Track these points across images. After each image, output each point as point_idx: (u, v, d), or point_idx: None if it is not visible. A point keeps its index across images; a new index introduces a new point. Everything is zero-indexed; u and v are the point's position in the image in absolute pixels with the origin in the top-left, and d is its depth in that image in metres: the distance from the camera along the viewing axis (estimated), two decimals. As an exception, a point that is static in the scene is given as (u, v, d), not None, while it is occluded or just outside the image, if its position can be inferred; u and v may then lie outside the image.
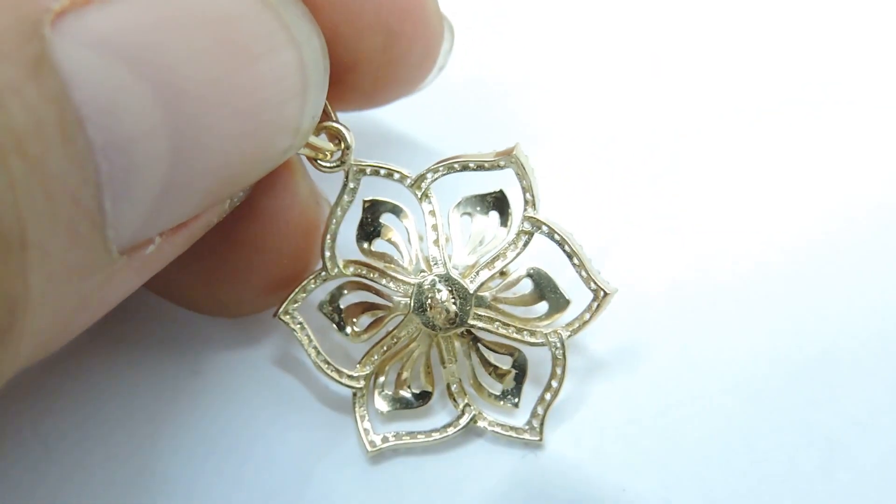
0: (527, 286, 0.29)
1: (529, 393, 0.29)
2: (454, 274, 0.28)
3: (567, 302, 0.28)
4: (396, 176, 0.29)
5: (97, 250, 0.20)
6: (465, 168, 0.28)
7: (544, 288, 0.28)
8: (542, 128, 0.36)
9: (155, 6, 0.21)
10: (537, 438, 0.28)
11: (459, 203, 0.29)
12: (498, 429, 0.29)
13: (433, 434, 0.29)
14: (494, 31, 0.40)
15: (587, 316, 0.28)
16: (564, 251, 0.28)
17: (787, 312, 0.32)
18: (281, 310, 0.29)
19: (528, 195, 0.28)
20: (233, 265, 0.29)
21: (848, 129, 0.36)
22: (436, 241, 0.29)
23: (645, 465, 0.29)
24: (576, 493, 0.29)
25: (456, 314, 0.28)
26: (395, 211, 0.29)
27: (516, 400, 0.29)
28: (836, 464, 0.28)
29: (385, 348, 0.29)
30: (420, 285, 0.28)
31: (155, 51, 0.20)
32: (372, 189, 0.29)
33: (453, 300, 0.28)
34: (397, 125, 0.36)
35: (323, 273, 0.29)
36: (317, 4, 0.25)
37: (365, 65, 0.27)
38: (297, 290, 0.29)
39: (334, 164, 0.28)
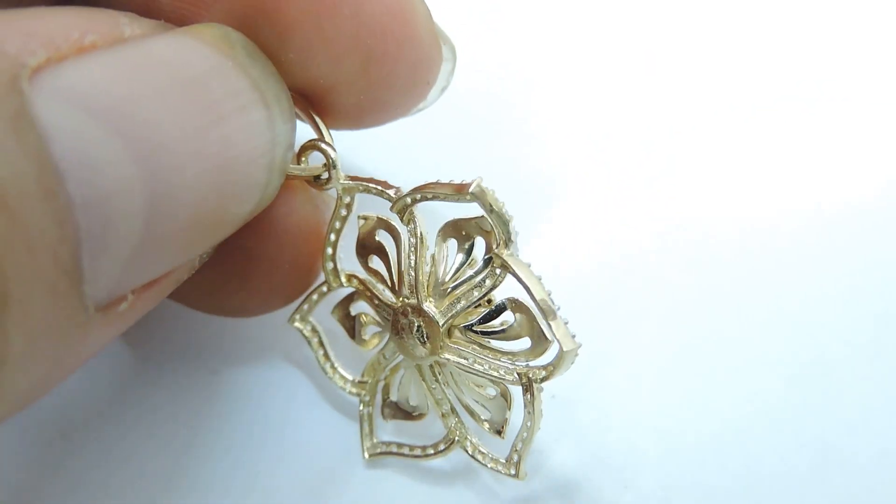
0: (510, 318, 0.26)
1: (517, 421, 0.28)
2: (427, 305, 0.27)
3: (547, 341, 0.26)
4: (385, 195, 0.27)
5: (74, 308, 0.20)
6: (435, 198, 0.26)
7: (524, 323, 0.26)
8: (537, 127, 0.37)
9: (128, 64, 0.21)
10: (513, 473, 0.28)
11: (444, 227, 0.27)
12: (479, 457, 0.29)
13: (417, 450, 0.30)
14: (489, 28, 0.40)
15: (551, 369, 0.26)
16: (530, 296, 0.25)
17: (781, 316, 0.32)
18: (289, 318, 0.30)
19: (496, 232, 0.25)
20: (234, 274, 0.29)
21: (844, 127, 0.37)
22: (414, 266, 0.27)
23: (645, 466, 0.30)
24: (578, 491, 0.29)
25: (425, 348, 0.27)
26: (389, 229, 0.28)
27: (500, 429, 0.28)
28: (830, 465, 0.29)
29: (380, 362, 0.30)
30: (395, 312, 0.28)
31: (128, 107, 0.20)
32: (372, 203, 0.29)
33: (420, 335, 0.27)
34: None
35: (324, 287, 0.30)
36: (290, 24, 0.24)
37: (344, 87, 0.26)
38: (303, 299, 0.30)
39: (325, 182, 0.28)
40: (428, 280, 0.27)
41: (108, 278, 0.20)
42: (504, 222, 0.25)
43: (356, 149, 0.32)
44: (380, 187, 0.27)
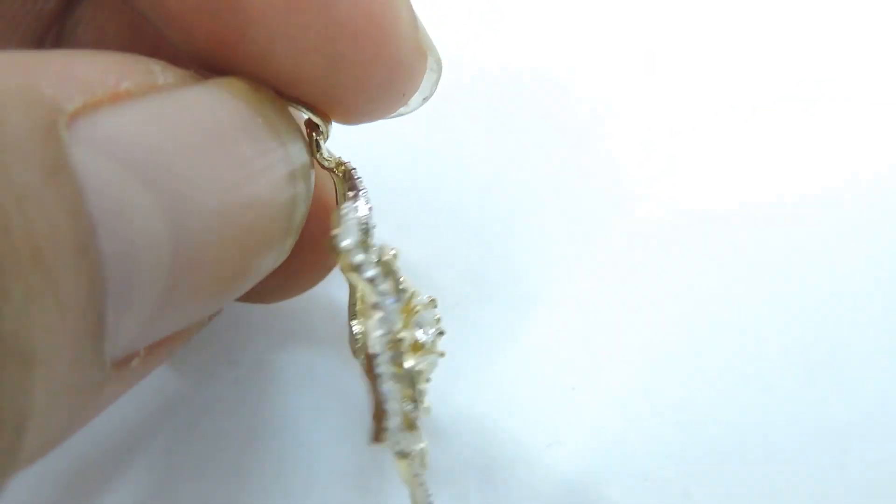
0: None
1: None
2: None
3: None
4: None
5: (94, 365, 0.19)
6: None
7: None
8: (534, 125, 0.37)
9: (162, 115, 0.20)
10: None
11: None
12: None
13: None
14: (489, 27, 0.40)
15: None
16: None
17: (801, 308, 0.33)
18: None
19: None
20: None
21: (845, 126, 0.37)
22: None
23: (665, 455, 0.30)
24: (598, 477, 0.30)
25: None
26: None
27: None
28: (850, 457, 0.30)
29: None
30: None
31: (161, 160, 0.20)
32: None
33: None
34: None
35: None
36: (253, 15, 0.23)
37: (306, 86, 0.25)
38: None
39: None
40: None
41: (128, 335, 0.20)
42: None
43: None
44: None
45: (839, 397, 0.31)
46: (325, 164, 0.27)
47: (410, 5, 0.25)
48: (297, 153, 0.25)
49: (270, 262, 0.25)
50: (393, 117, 0.28)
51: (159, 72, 0.22)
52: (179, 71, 0.23)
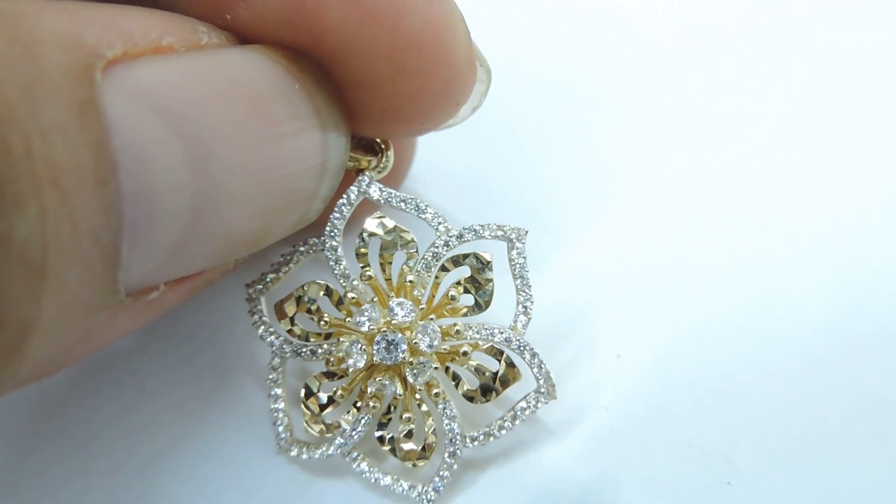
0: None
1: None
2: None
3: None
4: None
5: (107, 289, 0.20)
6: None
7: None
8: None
9: (200, 71, 0.22)
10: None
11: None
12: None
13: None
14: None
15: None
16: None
17: (846, 287, 0.33)
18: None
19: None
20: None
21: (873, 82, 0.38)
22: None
23: (710, 424, 0.31)
24: (644, 444, 0.30)
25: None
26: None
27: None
28: (890, 430, 0.30)
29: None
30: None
31: (193, 113, 0.21)
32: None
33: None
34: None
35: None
36: (328, 28, 0.24)
37: (371, 95, 0.26)
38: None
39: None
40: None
41: (144, 268, 0.21)
42: None
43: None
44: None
45: (882, 371, 0.31)
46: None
47: (464, 20, 0.27)
48: (334, 123, 0.26)
49: (294, 221, 0.26)
50: (442, 129, 0.30)
51: (205, 32, 0.23)
52: (225, 34, 0.24)
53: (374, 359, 0.29)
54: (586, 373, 0.32)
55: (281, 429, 0.31)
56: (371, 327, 0.29)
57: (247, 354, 0.33)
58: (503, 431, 0.30)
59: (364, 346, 0.29)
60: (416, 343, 0.28)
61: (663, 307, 0.33)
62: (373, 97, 0.26)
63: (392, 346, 0.28)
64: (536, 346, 0.29)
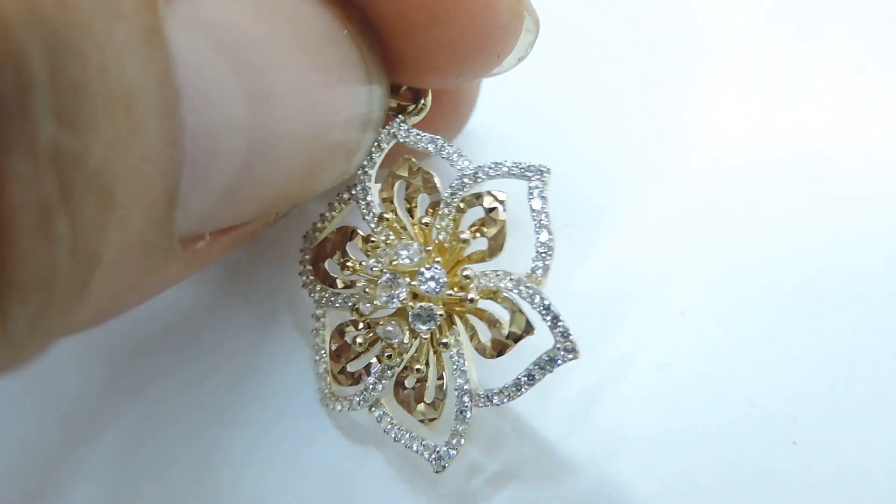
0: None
1: None
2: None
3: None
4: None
5: (165, 231, 0.20)
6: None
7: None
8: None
9: (260, 8, 0.21)
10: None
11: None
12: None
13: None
14: None
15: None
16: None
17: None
18: None
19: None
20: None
21: None
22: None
23: (774, 382, 0.30)
24: (706, 405, 0.30)
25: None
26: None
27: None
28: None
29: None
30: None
31: (252, 49, 0.20)
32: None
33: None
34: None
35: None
36: None
37: (405, 41, 0.25)
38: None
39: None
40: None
41: (198, 212, 0.21)
42: None
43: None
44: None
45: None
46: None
47: None
48: (377, 73, 0.25)
49: (336, 174, 0.26)
50: (488, 77, 0.28)
51: None
52: None
53: (375, 302, 0.27)
54: (649, 329, 0.31)
55: (322, 383, 0.30)
56: (376, 271, 0.27)
57: (297, 304, 0.33)
58: (518, 393, 0.27)
59: (370, 291, 0.28)
60: (414, 284, 0.27)
61: (727, 265, 0.32)
62: (406, 45, 0.25)
63: (391, 288, 0.27)
64: (581, 320, 0.26)
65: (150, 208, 0.19)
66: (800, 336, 0.31)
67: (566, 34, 0.36)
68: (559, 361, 0.26)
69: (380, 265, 0.27)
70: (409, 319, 0.27)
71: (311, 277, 0.30)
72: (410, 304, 0.27)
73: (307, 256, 0.30)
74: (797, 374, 0.30)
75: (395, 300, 0.27)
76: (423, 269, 0.27)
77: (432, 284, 0.27)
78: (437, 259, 0.27)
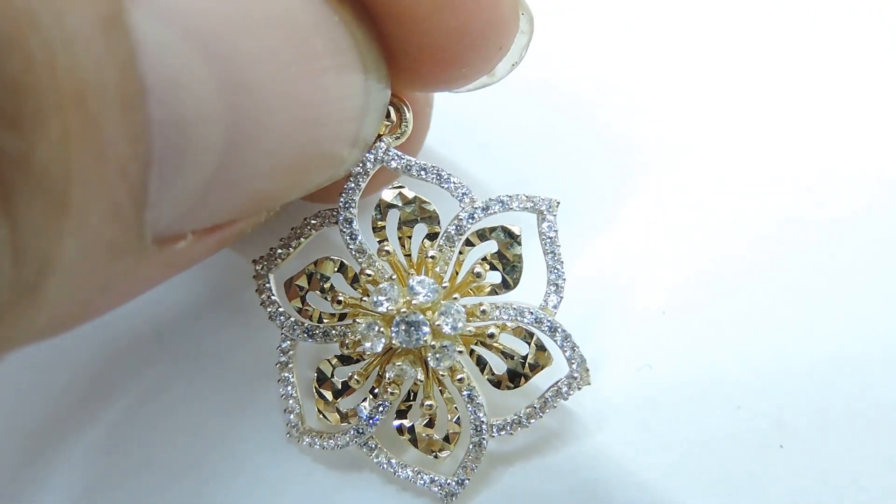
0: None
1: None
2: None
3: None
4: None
5: (132, 232, 0.19)
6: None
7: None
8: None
9: None
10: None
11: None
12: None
13: None
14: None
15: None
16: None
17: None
18: None
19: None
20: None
21: None
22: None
23: (759, 383, 0.29)
24: (689, 408, 0.29)
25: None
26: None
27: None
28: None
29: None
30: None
31: (227, 40, 0.19)
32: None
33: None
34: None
35: None
36: None
37: (410, 25, 0.24)
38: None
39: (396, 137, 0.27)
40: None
41: (173, 209, 0.20)
42: None
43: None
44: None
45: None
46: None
47: None
48: (374, 62, 0.24)
49: (330, 171, 0.25)
50: (480, 88, 0.27)
51: None
52: None
53: (394, 342, 0.26)
54: (629, 328, 0.30)
55: (292, 416, 0.29)
56: (389, 308, 0.26)
57: (254, 338, 0.31)
58: (532, 420, 0.27)
59: (382, 329, 0.26)
60: (438, 325, 0.26)
61: (709, 263, 0.31)
62: (412, 33, 0.24)
63: (413, 329, 0.26)
64: (570, 327, 0.27)
65: (113, 209, 0.18)
66: (787, 337, 0.30)
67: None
68: (575, 388, 0.27)
69: (389, 302, 0.26)
70: (427, 358, 0.27)
71: (280, 309, 0.28)
72: (433, 342, 0.26)
73: (268, 284, 0.28)
74: (784, 376, 0.29)
75: (419, 341, 0.26)
76: (444, 305, 0.26)
77: (452, 322, 0.26)
78: (454, 296, 0.27)
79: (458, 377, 0.27)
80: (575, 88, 0.35)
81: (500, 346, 0.27)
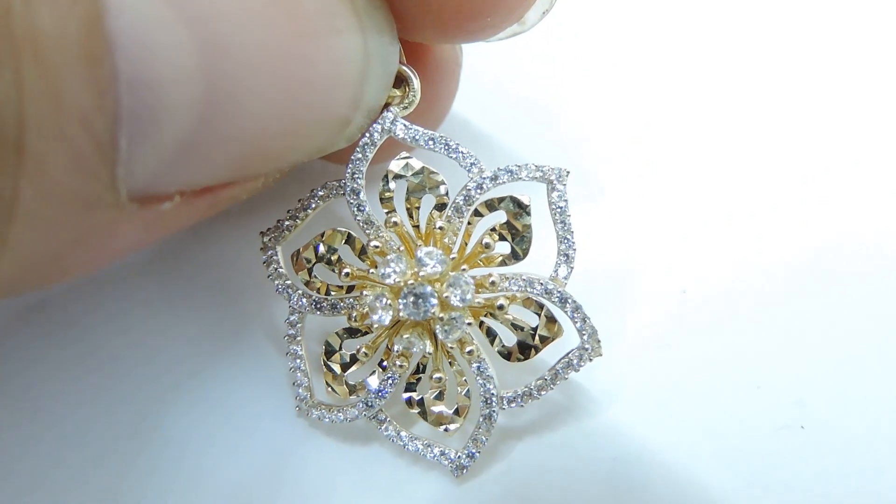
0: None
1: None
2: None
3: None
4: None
5: (103, 185, 0.19)
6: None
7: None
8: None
9: None
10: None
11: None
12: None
13: None
14: None
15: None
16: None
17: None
18: None
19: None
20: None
21: None
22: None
23: (779, 363, 0.29)
24: (708, 386, 0.28)
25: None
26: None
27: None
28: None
29: None
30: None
31: (206, 1, 0.19)
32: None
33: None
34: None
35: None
36: None
37: None
38: None
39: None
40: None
41: (149, 167, 0.20)
42: None
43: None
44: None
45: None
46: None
47: None
48: (377, 27, 0.23)
49: (324, 138, 0.24)
50: (511, 36, 0.26)
51: None
52: None
53: (401, 314, 0.26)
54: (648, 307, 0.30)
55: (301, 390, 0.28)
56: (397, 280, 0.26)
57: (262, 310, 0.31)
58: (543, 392, 0.27)
59: (389, 301, 0.26)
60: (446, 297, 0.26)
61: (730, 242, 0.30)
62: None
63: (420, 301, 0.26)
64: (581, 297, 0.27)
65: (77, 160, 0.18)
66: (808, 316, 0.29)
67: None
68: (586, 360, 0.27)
69: (397, 274, 0.26)
70: (436, 330, 0.26)
71: (288, 282, 0.28)
72: (441, 314, 0.26)
73: (275, 257, 0.28)
74: (805, 355, 0.29)
75: (427, 313, 0.26)
76: (453, 276, 0.26)
77: (461, 293, 0.26)
78: (463, 267, 0.27)
79: (468, 349, 0.27)
80: (606, 62, 0.34)
81: (510, 318, 0.27)
